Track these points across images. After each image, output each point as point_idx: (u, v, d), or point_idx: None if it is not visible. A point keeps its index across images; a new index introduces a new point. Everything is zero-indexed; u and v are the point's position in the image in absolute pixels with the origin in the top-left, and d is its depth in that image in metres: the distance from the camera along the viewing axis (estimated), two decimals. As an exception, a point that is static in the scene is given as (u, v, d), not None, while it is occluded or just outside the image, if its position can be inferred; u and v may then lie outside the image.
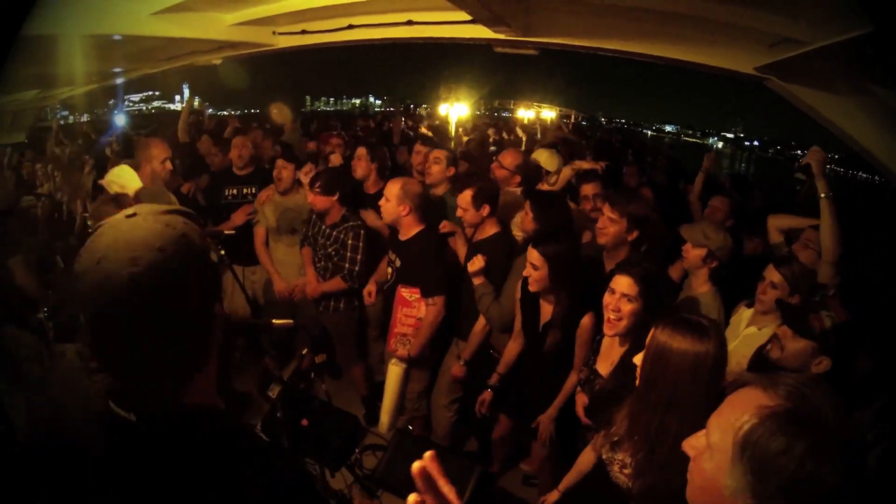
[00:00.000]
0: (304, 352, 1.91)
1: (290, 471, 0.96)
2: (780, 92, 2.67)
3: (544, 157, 3.90)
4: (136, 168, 3.30)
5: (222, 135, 5.84)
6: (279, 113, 7.26)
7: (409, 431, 3.29)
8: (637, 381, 1.72)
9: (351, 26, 3.63)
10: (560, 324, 2.56)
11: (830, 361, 1.96)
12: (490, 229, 3.11)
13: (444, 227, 3.38)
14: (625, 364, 2.16)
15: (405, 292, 3.25)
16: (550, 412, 2.70)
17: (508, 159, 3.66)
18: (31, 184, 5.88)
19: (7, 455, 1.01)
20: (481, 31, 3.18)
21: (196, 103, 6.09)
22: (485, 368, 3.06)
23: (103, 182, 2.66)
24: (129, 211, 0.87)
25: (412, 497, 0.74)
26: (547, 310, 2.64)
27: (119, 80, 5.36)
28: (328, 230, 3.55)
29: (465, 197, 3.04)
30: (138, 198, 2.40)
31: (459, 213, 3.11)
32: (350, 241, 3.49)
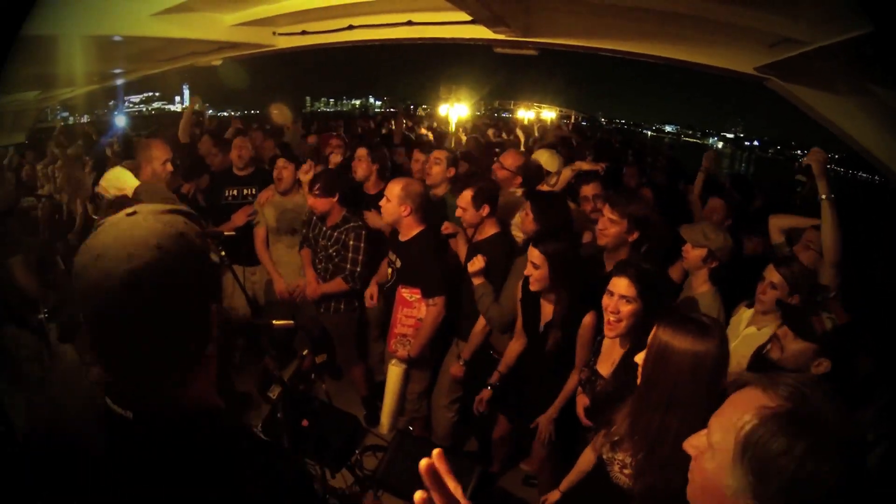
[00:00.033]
0: (305, 352, 1.91)
1: (290, 470, 0.96)
2: (780, 92, 2.68)
3: (545, 158, 3.90)
4: (137, 169, 3.31)
5: (223, 135, 5.84)
6: (279, 113, 7.26)
7: (410, 432, 3.28)
8: (638, 380, 1.72)
9: (351, 27, 3.63)
10: (561, 323, 2.56)
11: (830, 363, 1.96)
12: (489, 230, 3.11)
13: (447, 228, 3.38)
14: (626, 364, 2.16)
15: (406, 293, 3.25)
16: (550, 413, 2.70)
17: (510, 160, 3.67)
18: (31, 184, 5.89)
19: (7, 455, 1.01)
20: (481, 32, 3.19)
21: (191, 99, 6.09)
22: (485, 368, 3.06)
23: (100, 188, 2.66)
24: (130, 209, 0.88)
25: (418, 494, 0.74)
26: (548, 310, 2.64)
27: (119, 81, 5.36)
28: (329, 231, 3.55)
29: (466, 196, 3.04)
30: (138, 195, 2.40)
31: (459, 212, 3.11)
32: (351, 242, 3.49)
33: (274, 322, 1.77)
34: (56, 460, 0.93)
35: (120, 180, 2.53)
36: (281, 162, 4.01)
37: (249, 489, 0.85)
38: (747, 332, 2.50)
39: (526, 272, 2.58)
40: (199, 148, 5.36)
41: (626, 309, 2.14)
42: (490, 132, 9.00)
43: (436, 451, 0.76)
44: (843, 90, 2.46)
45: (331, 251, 3.54)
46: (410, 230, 3.18)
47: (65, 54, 3.04)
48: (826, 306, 2.13)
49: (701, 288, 2.67)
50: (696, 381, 1.55)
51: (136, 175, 3.26)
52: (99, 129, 6.95)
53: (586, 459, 2.16)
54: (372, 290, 3.64)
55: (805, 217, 2.93)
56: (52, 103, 6.03)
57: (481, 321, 3.08)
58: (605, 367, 2.34)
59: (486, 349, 3.17)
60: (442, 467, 0.75)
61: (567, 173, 3.74)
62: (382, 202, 3.19)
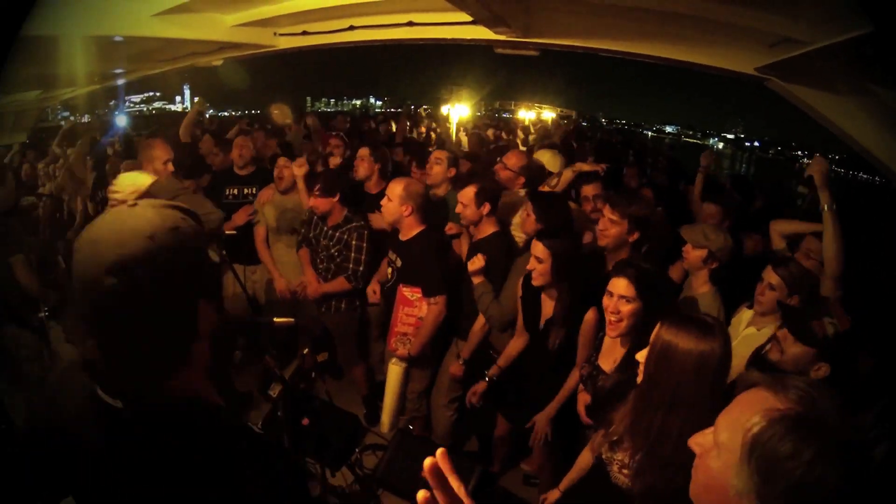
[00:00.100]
0: (306, 351, 1.91)
1: (284, 465, 0.97)
2: (780, 92, 2.67)
3: (547, 158, 3.90)
4: (138, 168, 3.32)
5: (223, 135, 5.85)
6: (280, 113, 7.27)
7: (410, 431, 3.29)
8: (639, 379, 1.72)
9: (352, 27, 3.64)
10: (562, 319, 2.57)
11: (829, 367, 1.95)
12: (489, 228, 3.12)
13: (451, 228, 3.37)
14: (628, 362, 2.16)
15: (407, 291, 3.25)
16: (548, 411, 2.70)
17: (512, 160, 3.67)
18: (31, 184, 5.90)
19: (7, 455, 1.02)
20: (482, 32, 3.19)
21: (196, 101, 6.10)
22: (484, 368, 3.07)
23: (117, 194, 2.64)
24: (132, 202, 0.90)
25: (421, 494, 0.74)
26: (548, 307, 2.65)
27: (120, 81, 5.36)
28: (330, 231, 3.55)
29: (468, 193, 3.04)
30: (151, 192, 2.40)
31: (459, 208, 3.11)
32: (354, 242, 3.49)
33: (275, 320, 1.78)
34: (55, 459, 0.93)
35: (135, 183, 2.52)
36: (282, 161, 4.01)
37: (241, 483, 0.85)
38: (747, 333, 2.50)
39: (529, 266, 2.59)
40: (200, 147, 5.37)
41: (625, 309, 2.15)
42: (490, 132, 9.00)
43: (439, 451, 0.76)
44: (843, 90, 2.46)
45: (333, 251, 3.54)
46: (411, 230, 3.18)
47: (65, 54, 3.05)
48: (828, 310, 2.12)
49: (701, 288, 2.67)
50: (699, 380, 1.55)
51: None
52: (100, 129, 6.95)
53: (586, 459, 2.16)
54: (374, 287, 3.65)
55: (807, 222, 2.92)
56: (53, 103, 6.04)
57: (480, 320, 3.09)
58: (606, 363, 2.34)
59: (486, 348, 3.17)
60: (445, 466, 0.75)
61: (568, 174, 3.75)
62: (384, 201, 3.19)
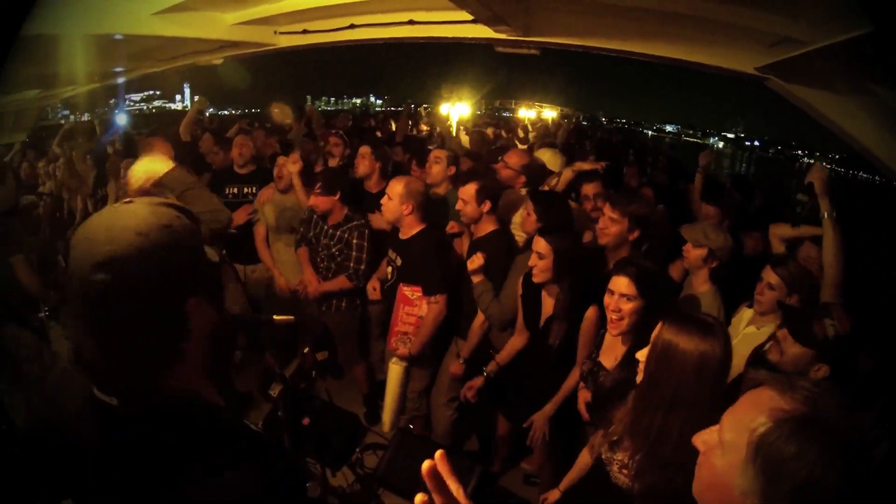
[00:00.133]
0: (306, 350, 1.91)
1: (280, 460, 0.97)
2: (780, 92, 2.67)
3: (547, 157, 3.89)
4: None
5: (224, 134, 5.84)
6: (280, 112, 7.26)
7: (411, 430, 3.29)
8: (639, 378, 1.72)
9: (352, 26, 3.63)
10: (563, 316, 2.57)
11: (829, 369, 1.95)
12: (488, 227, 3.11)
13: (453, 227, 3.37)
14: (629, 359, 2.16)
15: (407, 290, 3.25)
16: (547, 410, 2.69)
17: (514, 159, 3.66)
18: (31, 183, 5.90)
19: (7, 455, 1.02)
20: (482, 31, 3.18)
21: (197, 100, 6.09)
22: (484, 366, 3.06)
23: (132, 182, 2.61)
24: (128, 199, 0.92)
25: (419, 497, 0.74)
26: (549, 305, 2.65)
27: (120, 80, 5.36)
28: (331, 230, 3.55)
29: (469, 190, 3.04)
30: (163, 182, 2.38)
31: (459, 205, 3.11)
32: (355, 241, 3.49)
33: (275, 317, 1.78)
34: (55, 459, 0.93)
35: (149, 170, 2.50)
36: (281, 160, 4.01)
37: (241, 483, 0.85)
38: (747, 332, 2.50)
39: (530, 262, 2.59)
40: (200, 146, 5.37)
41: (627, 307, 2.15)
42: (489, 130, 8.99)
43: (438, 453, 0.76)
44: (843, 90, 2.46)
45: (333, 250, 3.54)
46: (411, 228, 3.18)
47: (65, 53, 3.05)
48: (829, 312, 2.10)
49: (701, 287, 2.67)
50: (700, 381, 1.55)
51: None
52: (101, 127, 6.95)
53: (584, 459, 2.16)
54: (374, 283, 3.65)
55: (807, 226, 2.91)
56: (53, 102, 6.04)
57: (479, 318, 3.09)
58: (608, 360, 2.34)
59: (486, 348, 3.17)
60: (444, 469, 0.75)
61: (567, 174, 3.75)
62: (384, 200, 3.19)
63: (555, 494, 2.25)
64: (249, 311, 3.56)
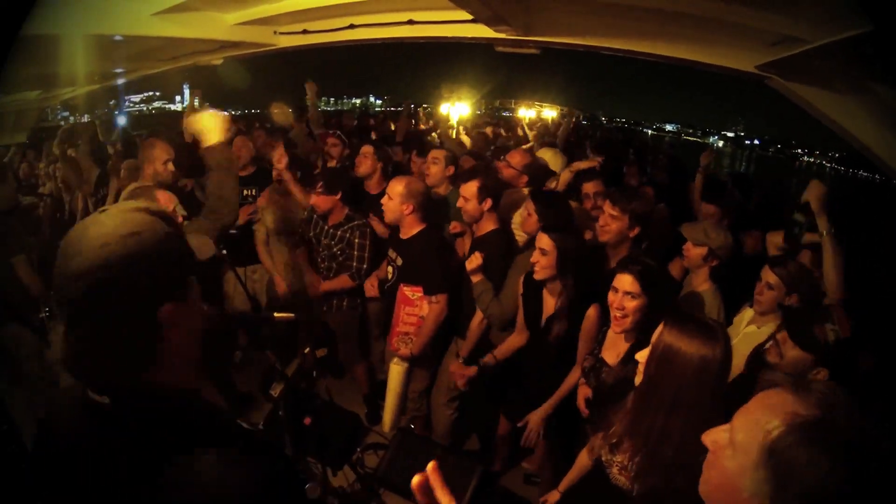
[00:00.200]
0: (307, 351, 1.91)
1: (280, 460, 0.97)
2: (780, 90, 2.67)
3: (549, 157, 3.89)
4: (138, 168, 3.31)
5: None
6: (280, 113, 7.24)
7: (411, 430, 3.28)
8: (638, 379, 1.71)
9: (352, 26, 3.63)
10: (564, 315, 2.57)
11: (828, 372, 1.94)
12: (488, 226, 3.11)
13: (455, 227, 3.37)
14: (632, 356, 2.16)
15: (408, 291, 3.25)
16: (544, 409, 2.69)
17: (516, 158, 3.66)
18: (30, 184, 5.90)
19: (7, 455, 1.02)
20: (482, 31, 3.18)
21: (196, 102, 6.07)
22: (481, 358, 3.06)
23: (189, 132, 2.54)
24: (103, 207, 0.95)
25: (416, 479, 0.74)
26: (550, 304, 2.65)
27: (120, 81, 5.35)
28: (332, 230, 3.55)
29: (471, 187, 3.03)
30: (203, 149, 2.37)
31: (461, 202, 3.10)
32: (357, 241, 3.49)
33: (275, 315, 1.78)
34: (55, 459, 0.93)
35: (206, 123, 2.44)
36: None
37: (239, 482, 0.86)
38: (747, 331, 2.50)
39: (533, 259, 2.59)
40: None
41: (631, 305, 2.15)
42: (489, 129, 8.98)
43: (430, 465, 0.76)
44: (843, 89, 2.46)
45: (335, 250, 3.54)
46: (412, 228, 3.18)
47: (65, 54, 3.04)
48: (830, 316, 2.09)
49: (701, 286, 2.67)
50: (701, 383, 1.54)
51: (138, 175, 3.27)
52: (101, 127, 6.94)
53: (584, 460, 2.15)
54: (372, 281, 3.64)
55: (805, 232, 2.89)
56: (53, 103, 6.03)
57: (478, 316, 3.09)
58: (610, 356, 2.34)
59: (487, 347, 3.17)
60: (436, 482, 0.75)
61: (566, 175, 3.75)
62: (384, 200, 3.19)
63: (554, 496, 2.24)
64: (250, 310, 3.56)
